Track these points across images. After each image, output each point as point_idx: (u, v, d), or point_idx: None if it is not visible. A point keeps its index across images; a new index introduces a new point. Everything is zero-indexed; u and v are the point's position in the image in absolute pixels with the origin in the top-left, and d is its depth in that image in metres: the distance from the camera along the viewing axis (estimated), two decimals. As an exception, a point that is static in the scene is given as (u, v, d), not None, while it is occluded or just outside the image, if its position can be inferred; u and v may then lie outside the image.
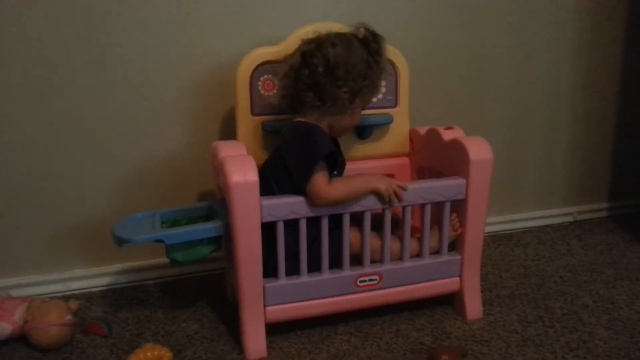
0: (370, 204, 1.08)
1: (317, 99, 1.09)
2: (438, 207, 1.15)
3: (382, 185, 1.07)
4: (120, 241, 1.05)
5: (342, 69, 1.07)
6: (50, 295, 1.29)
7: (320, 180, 1.04)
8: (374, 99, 1.23)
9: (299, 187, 1.05)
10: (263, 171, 1.11)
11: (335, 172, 1.12)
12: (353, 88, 1.08)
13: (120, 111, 1.29)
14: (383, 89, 1.28)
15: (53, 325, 1.08)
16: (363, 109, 1.17)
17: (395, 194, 1.08)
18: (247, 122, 1.22)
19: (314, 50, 1.09)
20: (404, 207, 1.12)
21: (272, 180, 1.09)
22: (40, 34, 1.20)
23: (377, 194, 1.07)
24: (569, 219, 1.78)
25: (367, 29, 1.12)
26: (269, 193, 1.06)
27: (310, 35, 1.12)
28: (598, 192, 1.83)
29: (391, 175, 1.23)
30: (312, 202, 1.04)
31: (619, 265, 1.46)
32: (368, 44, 1.11)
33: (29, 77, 1.21)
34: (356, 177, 1.12)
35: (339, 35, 1.11)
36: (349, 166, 1.24)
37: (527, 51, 1.60)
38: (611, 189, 1.83)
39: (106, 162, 1.31)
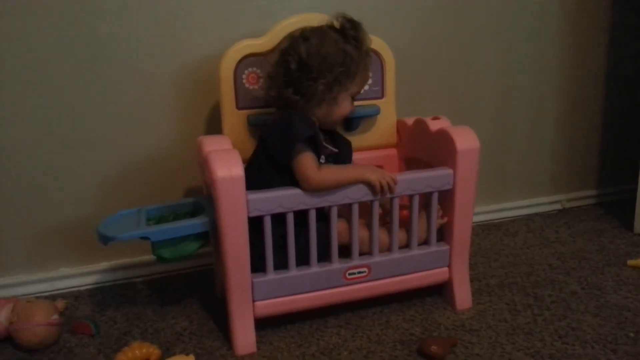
0: (360, 196, 1.08)
1: (295, 94, 1.10)
2: (425, 197, 1.14)
3: (374, 176, 1.07)
4: (104, 239, 1.04)
5: (315, 62, 1.08)
6: (37, 295, 1.28)
7: (307, 163, 1.04)
8: (365, 87, 1.23)
9: (284, 180, 1.05)
10: (250, 165, 1.10)
11: (322, 160, 1.10)
12: (329, 79, 1.08)
13: (104, 108, 1.27)
14: (370, 80, 1.27)
15: (39, 325, 1.07)
16: (353, 98, 1.16)
17: (387, 185, 1.08)
18: (232, 116, 1.20)
19: (287, 48, 1.12)
20: (392, 199, 1.11)
21: (258, 173, 1.08)
22: (26, 30, 1.18)
23: (368, 185, 1.07)
24: (557, 206, 1.79)
25: (344, 18, 1.12)
26: (257, 186, 1.05)
27: (295, 27, 1.13)
28: (585, 180, 1.83)
29: (379, 167, 1.22)
30: (300, 186, 1.04)
31: (606, 251, 1.47)
32: (345, 33, 1.11)
33: (11, 74, 1.19)
34: (348, 167, 1.12)
35: (314, 29, 1.12)
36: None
37: (512, 40, 1.59)
38: (598, 176, 1.84)
39: (91, 159, 1.29)
